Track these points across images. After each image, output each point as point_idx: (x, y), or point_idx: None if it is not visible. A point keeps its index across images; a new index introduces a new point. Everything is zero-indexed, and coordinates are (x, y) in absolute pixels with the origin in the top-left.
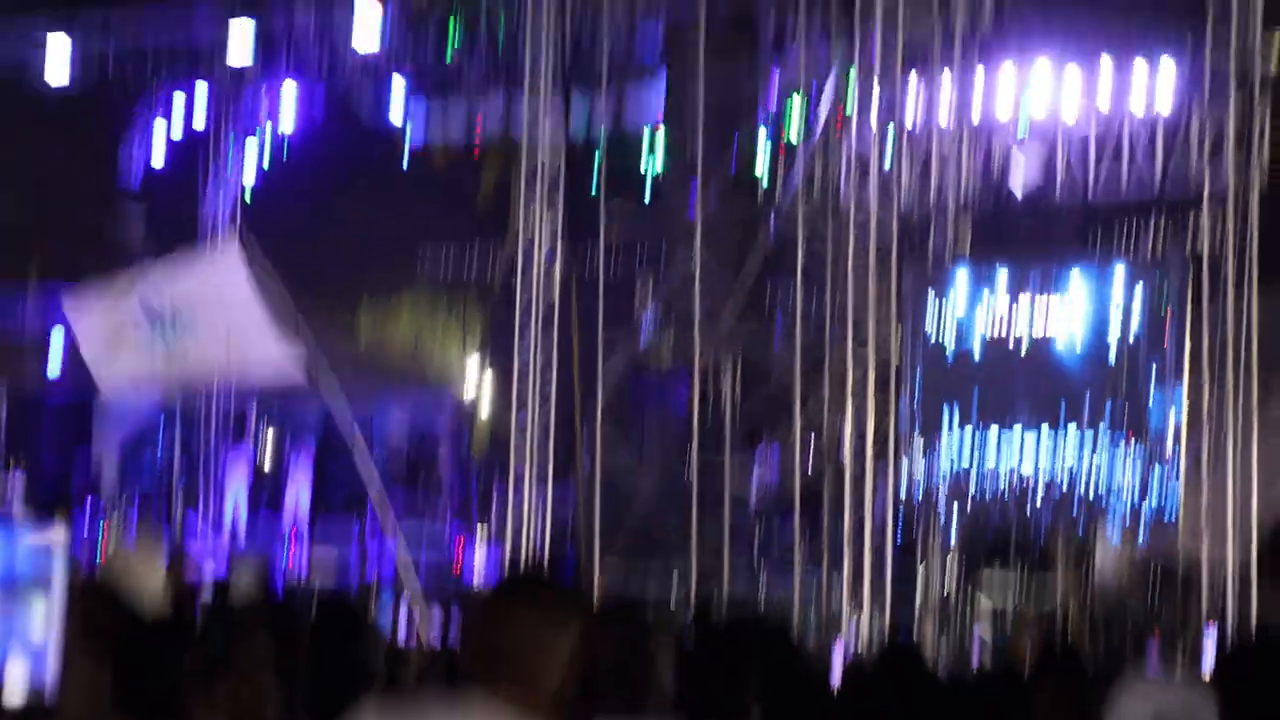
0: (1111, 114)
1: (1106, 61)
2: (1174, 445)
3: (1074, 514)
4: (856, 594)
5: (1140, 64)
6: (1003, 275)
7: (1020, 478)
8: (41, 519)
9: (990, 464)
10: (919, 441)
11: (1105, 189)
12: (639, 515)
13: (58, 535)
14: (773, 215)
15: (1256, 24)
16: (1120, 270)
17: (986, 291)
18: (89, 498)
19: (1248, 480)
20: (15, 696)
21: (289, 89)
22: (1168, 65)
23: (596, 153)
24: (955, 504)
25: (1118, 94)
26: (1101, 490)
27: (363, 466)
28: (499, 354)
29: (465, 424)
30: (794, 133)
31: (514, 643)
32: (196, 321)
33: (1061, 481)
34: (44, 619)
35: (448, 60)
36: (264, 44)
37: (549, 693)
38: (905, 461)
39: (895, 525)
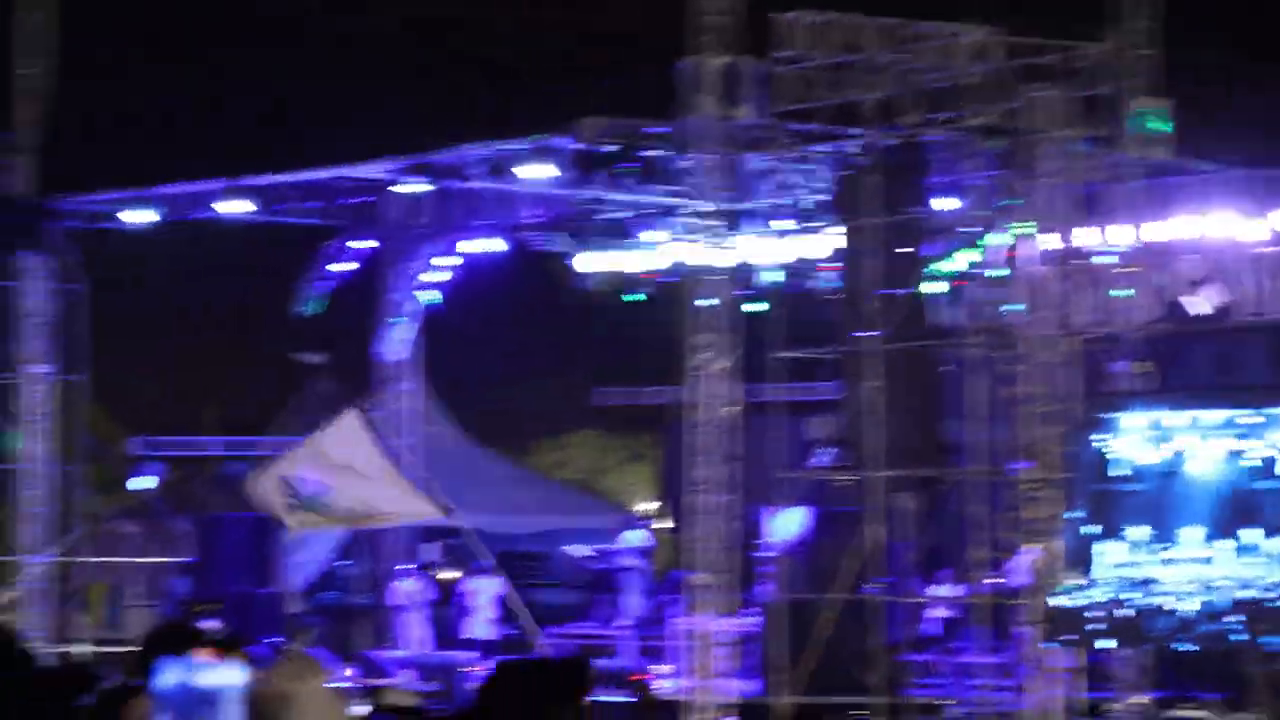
0: None
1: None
2: None
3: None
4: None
5: None
6: (1178, 403)
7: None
8: (220, 659)
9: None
10: (1097, 559)
11: None
12: (821, 643)
13: (235, 675)
14: (948, 349)
15: None
16: None
17: (1162, 418)
18: (268, 637)
19: None
20: None
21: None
22: None
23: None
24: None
25: None
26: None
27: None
28: (674, 485)
29: (646, 553)
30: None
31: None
32: (335, 493)
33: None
34: None
35: (620, 198)
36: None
37: None
38: (1081, 580)
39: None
